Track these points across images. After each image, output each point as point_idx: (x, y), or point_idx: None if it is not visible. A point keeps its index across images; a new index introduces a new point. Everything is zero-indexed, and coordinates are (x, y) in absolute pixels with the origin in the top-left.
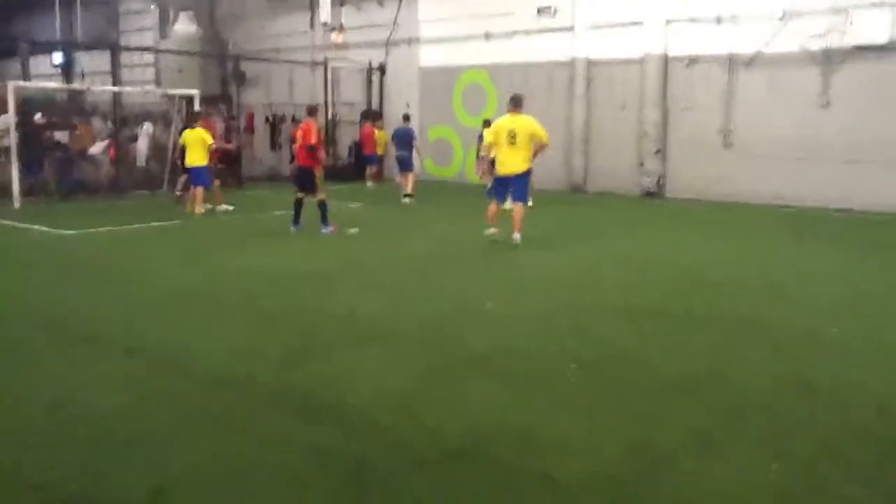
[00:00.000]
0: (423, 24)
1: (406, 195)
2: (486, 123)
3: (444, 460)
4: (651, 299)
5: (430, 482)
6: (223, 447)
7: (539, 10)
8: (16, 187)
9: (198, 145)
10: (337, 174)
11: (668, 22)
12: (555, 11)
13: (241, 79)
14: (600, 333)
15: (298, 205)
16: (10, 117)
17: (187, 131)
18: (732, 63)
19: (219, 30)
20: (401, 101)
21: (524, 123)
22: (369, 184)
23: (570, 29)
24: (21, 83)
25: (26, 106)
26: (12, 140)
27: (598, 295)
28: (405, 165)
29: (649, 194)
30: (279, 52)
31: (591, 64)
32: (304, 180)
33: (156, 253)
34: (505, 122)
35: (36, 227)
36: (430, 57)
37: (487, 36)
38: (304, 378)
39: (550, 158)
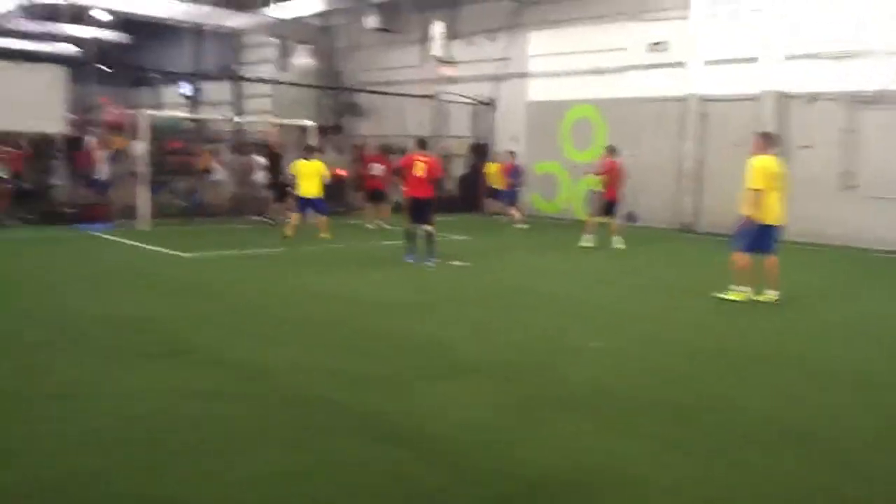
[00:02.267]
0: (533, 58)
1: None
2: (609, 149)
3: (527, 498)
4: (759, 345)
5: None
6: (297, 466)
7: (651, 46)
8: (144, 209)
9: (314, 176)
10: (445, 206)
11: (786, 58)
12: (667, 47)
13: (354, 111)
14: (699, 376)
15: (412, 236)
16: (141, 144)
17: (303, 162)
18: (855, 101)
19: (335, 63)
20: (508, 134)
21: (782, 167)
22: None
23: (683, 64)
24: (152, 112)
25: (156, 133)
26: (142, 165)
27: (706, 340)
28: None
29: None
30: (391, 85)
31: (703, 100)
32: (424, 212)
33: (260, 275)
34: (772, 164)
35: (159, 248)
36: (538, 91)
37: (597, 71)
38: (389, 404)
39: (656, 197)
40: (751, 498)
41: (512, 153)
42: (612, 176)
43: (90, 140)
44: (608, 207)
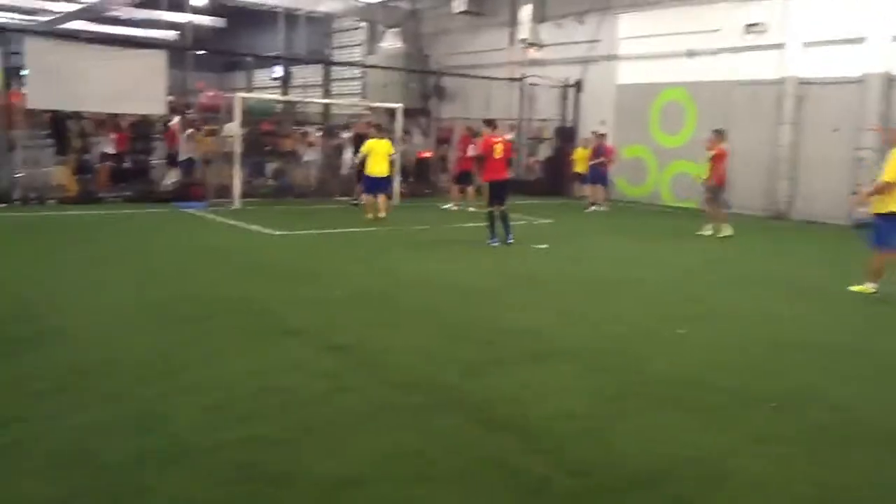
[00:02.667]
0: (623, 41)
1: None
2: (719, 133)
3: (629, 490)
4: (865, 338)
5: None
6: (406, 446)
7: (747, 27)
8: (237, 189)
9: (384, 156)
10: (530, 190)
11: (893, 38)
12: (764, 28)
13: (440, 94)
14: (802, 374)
15: (493, 218)
16: (236, 125)
17: (373, 141)
18: None
19: (422, 46)
20: (595, 118)
21: None
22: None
23: (780, 46)
24: (245, 94)
25: (249, 115)
26: (236, 146)
27: (801, 333)
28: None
29: (861, 226)
30: (478, 68)
31: (801, 83)
32: (505, 193)
33: (350, 256)
34: None
35: (252, 226)
36: (627, 74)
37: (690, 53)
38: (487, 389)
39: (748, 183)
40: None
41: (601, 135)
42: (722, 161)
43: (174, 122)
44: (717, 193)
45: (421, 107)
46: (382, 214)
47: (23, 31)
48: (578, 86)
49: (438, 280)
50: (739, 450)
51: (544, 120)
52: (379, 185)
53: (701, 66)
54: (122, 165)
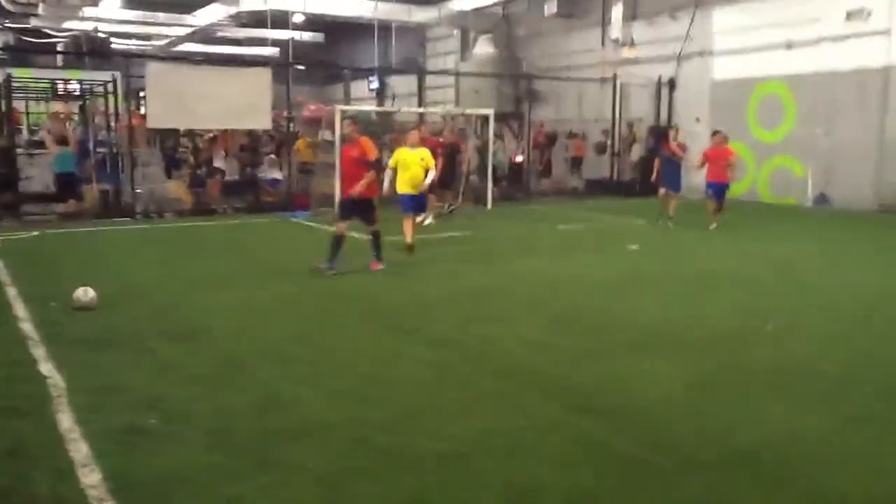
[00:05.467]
0: (718, 35)
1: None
2: None
3: (721, 465)
4: None
5: (704, 484)
6: (505, 426)
7: (849, 14)
8: (337, 198)
9: (418, 167)
10: (623, 190)
11: None
12: (868, 14)
13: (532, 97)
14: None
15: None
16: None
17: (405, 150)
18: None
19: (514, 50)
20: (690, 115)
21: None
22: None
23: (886, 33)
24: (343, 106)
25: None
26: (336, 156)
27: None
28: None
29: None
30: (570, 70)
31: None
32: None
33: (454, 260)
34: None
35: (353, 233)
36: (723, 69)
37: (788, 45)
38: (588, 377)
39: (853, 176)
40: None
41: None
42: None
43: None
44: None
45: (513, 110)
46: (409, 240)
47: (142, 56)
48: (672, 83)
49: (539, 278)
50: (834, 429)
51: (640, 119)
52: (412, 203)
53: (800, 58)
54: (233, 179)
